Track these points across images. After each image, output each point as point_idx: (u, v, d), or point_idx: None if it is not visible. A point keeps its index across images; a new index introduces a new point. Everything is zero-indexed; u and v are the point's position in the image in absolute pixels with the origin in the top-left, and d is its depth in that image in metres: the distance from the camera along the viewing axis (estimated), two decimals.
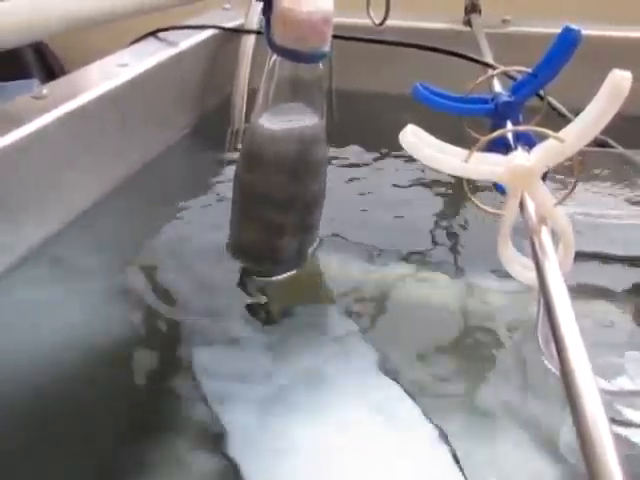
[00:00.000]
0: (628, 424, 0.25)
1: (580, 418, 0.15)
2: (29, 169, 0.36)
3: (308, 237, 0.35)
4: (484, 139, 0.22)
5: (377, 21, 0.37)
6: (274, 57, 0.29)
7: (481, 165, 0.22)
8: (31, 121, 0.36)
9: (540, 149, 0.21)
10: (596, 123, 0.20)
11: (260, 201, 0.33)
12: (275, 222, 0.33)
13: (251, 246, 0.35)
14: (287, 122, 0.31)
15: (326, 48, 0.29)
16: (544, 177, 0.23)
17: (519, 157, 0.21)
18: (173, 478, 0.24)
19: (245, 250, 0.35)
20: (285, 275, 0.34)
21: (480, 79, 0.31)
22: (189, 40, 0.53)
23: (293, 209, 0.33)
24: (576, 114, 0.21)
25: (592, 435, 0.15)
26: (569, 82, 0.33)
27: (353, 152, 0.49)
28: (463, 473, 0.23)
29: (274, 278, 0.34)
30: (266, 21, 0.29)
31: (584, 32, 0.27)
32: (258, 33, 0.53)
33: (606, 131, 0.20)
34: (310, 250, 0.36)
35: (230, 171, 0.46)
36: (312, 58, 0.29)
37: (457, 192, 0.43)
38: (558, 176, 0.31)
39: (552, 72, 0.28)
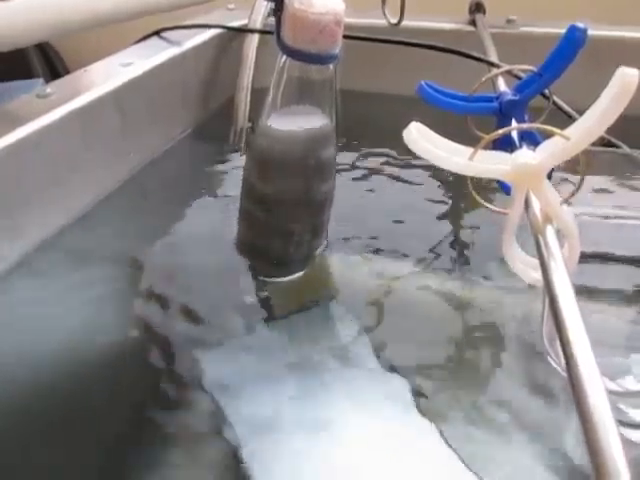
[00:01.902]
0: (633, 425, 0.25)
1: (586, 418, 0.15)
2: (31, 168, 0.35)
3: (316, 239, 0.35)
4: (489, 137, 0.22)
5: (393, 21, 0.37)
6: (283, 58, 0.29)
7: (486, 163, 0.22)
8: (34, 120, 0.36)
9: (546, 147, 0.21)
10: (602, 121, 0.19)
11: (268, 203, 0.32)
12: (284, 224, 0.33)
13: (259, 248, 0.34)
14: (296, 123, 0.31)
15: (337, 50, 0.29)
16: (550, 175, 0.23)
17: (524, 155, 0.21)
18: (175, 478, 0.24)
19: (253, 252, 0.35)
20: (292, 277, 0.34)
21: (484, 78, 0.30)
22: (193, 39, 0.53)
23: (302, 211, 0.32)
24: (582, 114, 0.21)
25: (599, 435, 0.15)
26: (575, 83, 0.33)
27: (357, 152, 0.49)
28: (469, 468, 0.23)
29: (281, 279, 0.34)
30: (276, 22, 0.29)
31: (591, 32, 0.27)
32: (262, 33, 0.53)
33: (612, 131, 0.20)
34: (318, 251, 0.36)
35: (233, 170, 0.46)
36: (323, 60, 0.29)
37: (461, 192, 0.43)
38: (564, 175, 0.31)
39: (557, 71, 0.28)
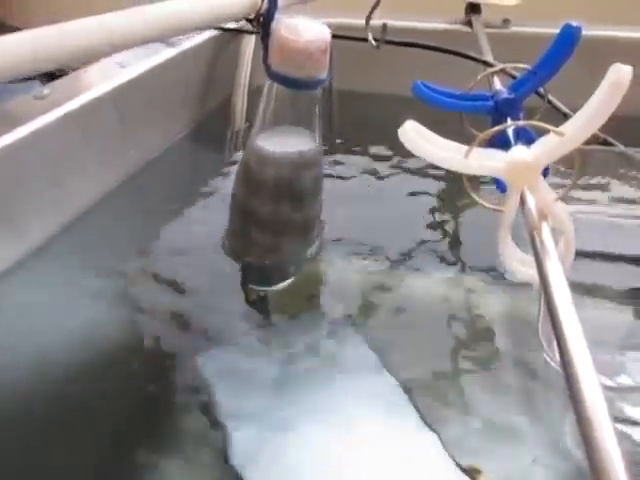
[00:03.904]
0: (630, 422, 0.25)
1: (582, 414, 0.15)
2: (29, 169, 0.35)
3: (302, 255, 0.35)
4: (483, 134, 0.22)
5: (375, 44, 0.38)
6: (271, 84, 0.30)
7: (481, 161, 0.22)
8: (31, 121, 0.36)
9: (540, 144, 0.21)
10: (597, 117, 0.19)
11: (253, 221, 0.32)
12: (268, 243, 0.33)
13: (245, 261, 0.35)
14: (283, 145, 0.31)
15: (323, 75, 0.29)
16: (545, 173, 0.23)
17: (519, 152, 0.21)
18: (173, 477, 0.24)
19: (239, 258, 0.35)
20: (278, 286, 0.34)
21: (480, 76, 0.31)
22: (190, 40, 0.53)
23: (286, 231, 0.33)
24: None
25: (595, 431, 0.15)
26: (571, 83, 0.33)
27: (353, 153, 0.49)
28: (464, 471, 0.23)
29: (268, 289, 0.34)
30: (264, 47, 0.29)
31: (586, 32, 0.27)
32: (258, 33, 0.53)
33: (607, 130, 0.20)
34: (309, 254, 0.35)
35: (230, 169, 0.46)
36: (308, 86, 0.29)
37: (457, 191, 0.43)
38: (560, 173, 0.31)
39: (552, 69, 0.28)
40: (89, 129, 0.40)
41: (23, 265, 0.35)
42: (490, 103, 0.29)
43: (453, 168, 0.22)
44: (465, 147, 0.22)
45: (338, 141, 0.49)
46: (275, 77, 0.29)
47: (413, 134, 0.22)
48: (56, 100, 0.39)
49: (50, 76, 0.46)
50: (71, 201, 0.39)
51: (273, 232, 0.32)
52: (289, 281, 0.34)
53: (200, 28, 0.26)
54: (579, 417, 0.15)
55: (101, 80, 0.43)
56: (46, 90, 0.40)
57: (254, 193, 0.32)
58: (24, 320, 0.31)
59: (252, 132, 0.32)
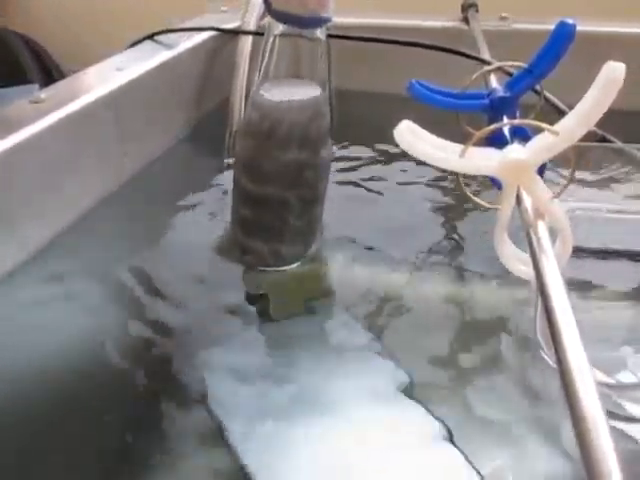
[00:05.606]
0: (631, 419, 0.24)
1: (577, 412, 0.15)
2: (26, 173, 0.35)
3: (312, 218, 0.34)
4: (479, 133, 0.22)
5: None
6: (273, 36, 0.29)
7: (476, 160, 0.22)
8: (28, 125, 0.36)
9: (535, 142, 0.21)
10: (591, 115, 0.19)
11: (262, 177, 0.32)
12: (278, 200, 0.32)
13: (255, 230, 0.34)
14: (288, 94, 0.30)
15: (327, 14, 0.29)
16: (542, 171, 0.23)
17: (514, 151, 0.21)
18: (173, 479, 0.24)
19: (248, 234, 0.34)
20: (288, 267, 0.34)
21: (475, 75, 0.30)
22: (186, 43, 0.53)
23: (296, 184, 0.32)
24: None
25: (589, 430, 0.15)
26: (567, 80, 0.33)
27: (352, 152, 0.49)
28: (477, 470, 0.23)
29: (279, 269, 0.34)
30: None
31: (583, 28, 0.27)
32: (255, 34, 0.53)
33: (605, 126, 0.20)
34: (313, 249, 0.35)
35: (229, 172, 0.46)
36: (313, 22, 0.28)
37: (456, 189, 0.43)
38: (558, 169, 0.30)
39: (548, 67, 0.28)
40: (86, 133, 0.40)
41: (22, 269, 0.35)
42: (486, 102, 0.29)
43: (449, 168, 0.22)
44: (461, 146, 0.22)
45: (336, 140, 0.49)
46: (278, 16, 0.28)
47: (408, 134, 0.22)
48: (53, 104, 0.39)
49: (49, 82, 0.46)
50: (68, 206, 0.39)
51: (280, 186, 0.32)
52: (296, 264, 0.33)
53: None
54: (573, 415, 0.15)
55: (98, 83, 0.43)
56: (43, 94, 0.40)
57: (258, 146, 0.31)
58: (23, 325, 0.31)
59: (253, 86, 0.31)
